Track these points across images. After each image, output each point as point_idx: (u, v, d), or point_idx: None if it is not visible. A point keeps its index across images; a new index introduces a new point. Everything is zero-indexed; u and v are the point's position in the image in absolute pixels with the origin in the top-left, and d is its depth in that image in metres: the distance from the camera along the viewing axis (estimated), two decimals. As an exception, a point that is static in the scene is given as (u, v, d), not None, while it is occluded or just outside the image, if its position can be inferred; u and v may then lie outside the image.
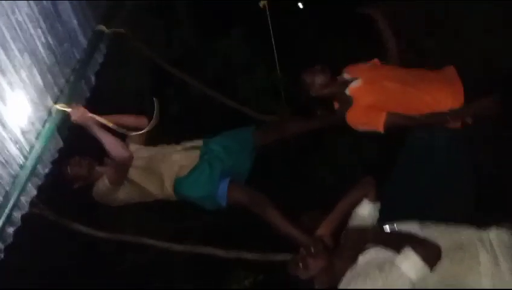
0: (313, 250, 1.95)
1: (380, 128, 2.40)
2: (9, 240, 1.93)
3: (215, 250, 4.03)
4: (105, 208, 2.74)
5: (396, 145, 2.61)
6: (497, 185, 2.50)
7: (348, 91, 2.50)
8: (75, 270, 4.24)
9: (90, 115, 2.33)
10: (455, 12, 3.28)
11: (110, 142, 2.33)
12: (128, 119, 2.64)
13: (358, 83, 2.50)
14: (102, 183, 2.47)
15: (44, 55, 2.13)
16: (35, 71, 2.05)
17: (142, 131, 2.54)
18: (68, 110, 2.21)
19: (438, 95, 2.38)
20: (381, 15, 2.61)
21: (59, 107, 2.17)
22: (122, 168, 2.44)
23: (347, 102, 2.49)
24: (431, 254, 1.74)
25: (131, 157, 2.43)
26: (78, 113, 2.23)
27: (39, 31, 2.08)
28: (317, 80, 2.50)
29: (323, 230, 2.23)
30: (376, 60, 2.66)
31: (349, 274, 1.91)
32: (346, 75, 2.58)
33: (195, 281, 4.42)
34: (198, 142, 2.65)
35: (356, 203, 2.20)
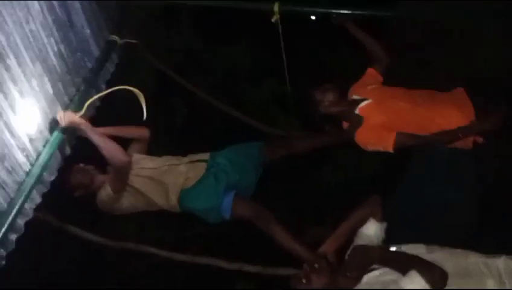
0: (316, 266, 1.93)
1: (390, 148, 2.39)
2: (12, 247, 1.92)
3: (216, 261, 4.02)
4: (109, 216, 2.73)
5: (404, 158, 2.60)
6: (504, 202, 2.47)
7: (357, 110, 2.50)
8: (77, 276, 4.23)
9: (94, 128, 2.33)
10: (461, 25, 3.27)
11: (107, 147, 2.30)
12: (129, 130, 2.65)
13: (368, 103, 2.49)
14: (105, 192, 2.47)
15: (56, 64, 2.15)
16: (46, 80, 2.07)
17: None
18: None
19: (448, 117, 2.37)
20: (353, 25, 2.63)
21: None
22: (121, 173, 2.43)
23: (356, 121, 2.48)
24: (437, 279, 1.71)
25: (129, 162, 2.43)
26: (65, 118, 2.18)
27: (52, 40, 2.10)
28: (327, 98, 2.51)
29: (327, 247, 2.20)
30: (372, 70, 2.65)
31: None
32: (354, 95, 2.58)
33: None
34: (205, 156, 2.65)
35: (362, 221, 2.17)
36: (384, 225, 2.18)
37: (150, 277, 4.47)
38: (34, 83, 1.98)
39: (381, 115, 2.44)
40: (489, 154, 2.44)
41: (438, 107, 2.40)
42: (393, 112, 2.42)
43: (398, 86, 2.60)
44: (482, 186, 2.44)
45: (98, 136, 2.28)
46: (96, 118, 2.44)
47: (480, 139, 2.38)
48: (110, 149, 2.30)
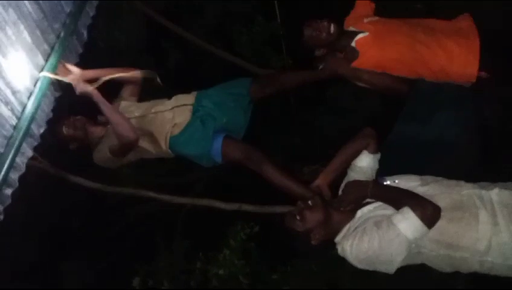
0: (310, 203, 1.93)
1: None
2: (8, 201, 1.92)
3: (216, 202, 4.09)
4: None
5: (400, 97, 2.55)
6: (504, 142, 2.46)
7: (354, 43, 2.39)
8: (77, 225, 4.32)
9: (84, 71, 2.26)
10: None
11: (118, 122, 2.31)
12: (121, 72, 2.56)
13: (365, 36, 2.39)
14: (104, 152, 2.44)
15: (30, 10, 2.02)
16: (22, 27, 1.96)
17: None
18: (63, 79, 2.13)
19: (451, 50, 2.26)
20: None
21: (48, 75, 2.08)
22: (127, 148, 2.41)
23: (351, 55, 2.39)
24: (430, 215, 1.74)
25: (137, 140, 2.40)
26: (79, 87, 2.17)
27: (24, -17, 1.96)
28: (324, 30, 2.39)
29: (321, 180, 2.21)
30: (363, 1, 2.55)
31: (346, 229, 1.92)
32: (351, 27, 2.47)
33: (195, 234, 4.52)
34: (191, 98, 2.58)
35: (355, 154, 2.17)
36: (378, 155, 2.17)
37: (150, 222, 4.58)
38: (9, 31, 1.88)
39: (377, 50, 2.34)
40: (491, 94, 2.38)
41: (439, 41, 2.29)
42: (390, 48, 2.33)
43: (393, 15, 2.48)
44: (481, 126, 2.41)
45: (110, 110, 2.29)
46: (80, 64, 2.35)
47: (484, 74, 2.27)
48: (121, 125, 2.31)
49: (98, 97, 2.29)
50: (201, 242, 4.42)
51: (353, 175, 2.14)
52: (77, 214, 4.42)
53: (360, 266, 1.86)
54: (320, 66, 2.58)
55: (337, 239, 1.93)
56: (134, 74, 2.59)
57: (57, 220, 4.24)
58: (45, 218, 4.12)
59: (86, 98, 2.30)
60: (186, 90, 2.68)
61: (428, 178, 1.96)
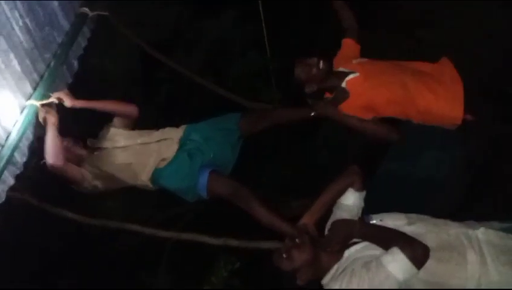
0: (298, 241, 1.90)
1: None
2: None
3: (201, 237, 4.01)
4: (90, 196, 2.67)
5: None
6: (489, 180, 2.48)
7: (344, 84, 2.43)
8: (59, 257, 4.20)
9: (77, 101, 2.24)
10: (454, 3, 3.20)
11: (49, 146, 2.21)
12: (118, 106, 2.55)
13: (356, 77, 2.42)
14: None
15: (22, 39, 2.03)
16: (12, 56, 1.95)
17: None
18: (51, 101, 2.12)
19: (437, 92, 2.30)
20: None
21: (35, 103, 2.08)
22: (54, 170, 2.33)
23: (342, 95, 2.41)
24: (419, 255, 1.71)
25: (58, 168, 2.30)
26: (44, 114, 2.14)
27: (16, 13, 1.97)
28: (314, 72, 2.42)
29: (307, 219, 2.17)
30: (348, 40, 2.60)
31: (334, 270, 1.88)
32: (341, 68, 2.50)
33: (180, 269, 4.41)
34: (179, 131, 2.57)
35: (341, 192, 2.15)
36: (363, 193, 2.15)
37: (133, 256, 4.46)
38: (-1, 60, 1.88)
39: (368, 90, 2.37)
40: (477, 134, 2.42)
41: (426, 83, 2.33)
42: (382, 87, 2.35)
43: (376, 56, 2.54)
44: (468, 165, 2.43)
45: (51, 135, 2.20)
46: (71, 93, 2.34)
47: (469, 117, 2.32)
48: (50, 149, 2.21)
49: (50, 125, 2.20)
50: (184, 278, 4.31)
51: (339, 213, 2.12)
52: (58, 246, 4.30)
53: (349, 308, 1.81)
54: (310, 102, 2.60)
55: (325, 281, 1.89)
56: (133, 110, 2.58)
57: (37, 253, 4.11)
58: (24, 250, 4.01)
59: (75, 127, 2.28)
60: (176, 123, 2.67)
61: (414, 216, 1.95)
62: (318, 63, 2.41)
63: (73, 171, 2.39)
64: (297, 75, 2.46)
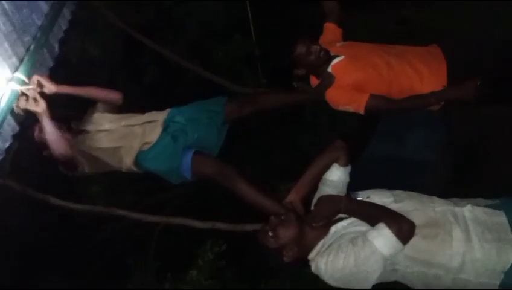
0: (283, 218, 1.90)
1: (361, 110, 2.35)
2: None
3: (189, 221, 4.02)
4: (78, 182, 2.64)
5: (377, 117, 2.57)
6: (474, 160, 2.51)
7: (330, 68, 2.41)
8: (47, 243, 4.17)
9: (55, 88, 2.19)
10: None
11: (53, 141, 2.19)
12: (102, 93, 2.51)
13: (341, 60, 2.41)
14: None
15: (-1, 22, 1.97)
16: (-11, 39, 1.90)
17: None
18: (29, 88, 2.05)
19: (421, 72, 2.32)
20: None
21: (15, 87, 2.02)
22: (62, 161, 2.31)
23: (328, 79, 2.40)
24: (405, 231, 1.74)
25: (68, 157, 2.28)
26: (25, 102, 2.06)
27: (-8, -5, 1.91)
28: (311, 59, 2.39)
29: (294, 196, 2.17)
30: (329, 25, 2.58)
31: (320, 245, 1.89)
32: None
33: (167, 254, 4.42)
34: (163, 114, 2.54)
35: (326, 167, 2.13)
36: (348, 168, 2.14)
37: (122, 241, 4.46)
38: (-24, 43, 1.82)
39: (353, 74, 2.37)
40: (462, 115, 2.44)
41: (410, 62, 2.34)
42: (366, 70, 2.36)
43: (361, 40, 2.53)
44: (452, 146, 2.45)
45: (51, 129, 2.16)
46: (50, 79, 2.29)
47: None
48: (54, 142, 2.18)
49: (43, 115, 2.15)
50: (172, 262, 4.33)
51: (325, 189, 2.11)
52: (46, 233, 4.27)
53: (334, 283, 1.83)
54: (296, 84, 2.59)
55: (311, 256, 1.90)
56: (117, 97, 2.53)
57: (25, 240, 4.08)
58: (12, 237, 3.97)
59: (60, 112, 2.24)
60: (162, 107, 2.64)
61: (402, 193, 1.95)
62: (319, 51, 2.39)
63: (77, 156, 2.35)
64: (297, 55, 2.42)
